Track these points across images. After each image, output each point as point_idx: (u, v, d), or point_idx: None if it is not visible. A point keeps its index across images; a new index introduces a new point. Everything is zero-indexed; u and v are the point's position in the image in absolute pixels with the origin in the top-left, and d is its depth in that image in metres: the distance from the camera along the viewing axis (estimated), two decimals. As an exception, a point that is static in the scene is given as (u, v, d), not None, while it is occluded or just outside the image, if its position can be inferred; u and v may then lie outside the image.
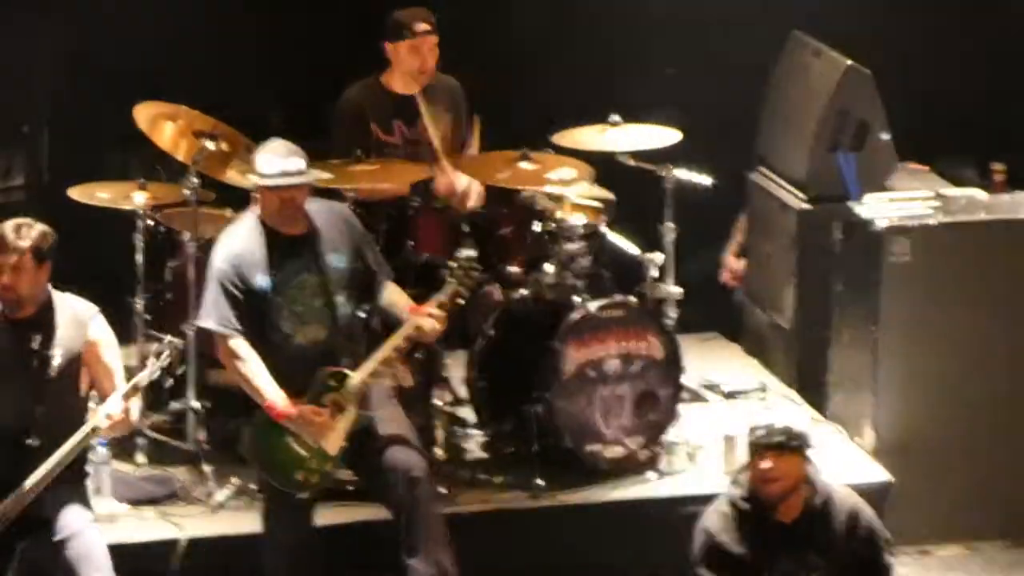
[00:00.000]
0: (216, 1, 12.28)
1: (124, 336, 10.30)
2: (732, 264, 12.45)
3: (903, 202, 11.14)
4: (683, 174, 11.06)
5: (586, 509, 10.61)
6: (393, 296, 9.92)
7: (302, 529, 9.91)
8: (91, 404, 9.52)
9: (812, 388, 11.45)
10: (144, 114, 10.71)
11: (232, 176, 10.81)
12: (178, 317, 10.67)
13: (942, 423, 10.93)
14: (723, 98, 12.23)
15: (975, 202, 11.22)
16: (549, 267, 10.82)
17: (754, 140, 12.11)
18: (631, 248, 11.12)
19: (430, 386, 10.65)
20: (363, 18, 11.68)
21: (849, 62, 11.60)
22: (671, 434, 10.79)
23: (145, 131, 10.73)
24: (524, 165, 10.73)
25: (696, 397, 11.29)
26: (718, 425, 11.01)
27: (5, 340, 9.38)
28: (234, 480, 10.42)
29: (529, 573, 10.55)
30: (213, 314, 9.77)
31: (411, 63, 11.08)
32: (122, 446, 10.46)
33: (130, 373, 9.74)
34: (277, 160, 9.69)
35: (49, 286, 9.39)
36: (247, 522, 10.14)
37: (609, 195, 11.12)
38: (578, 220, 10.91)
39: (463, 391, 10.97)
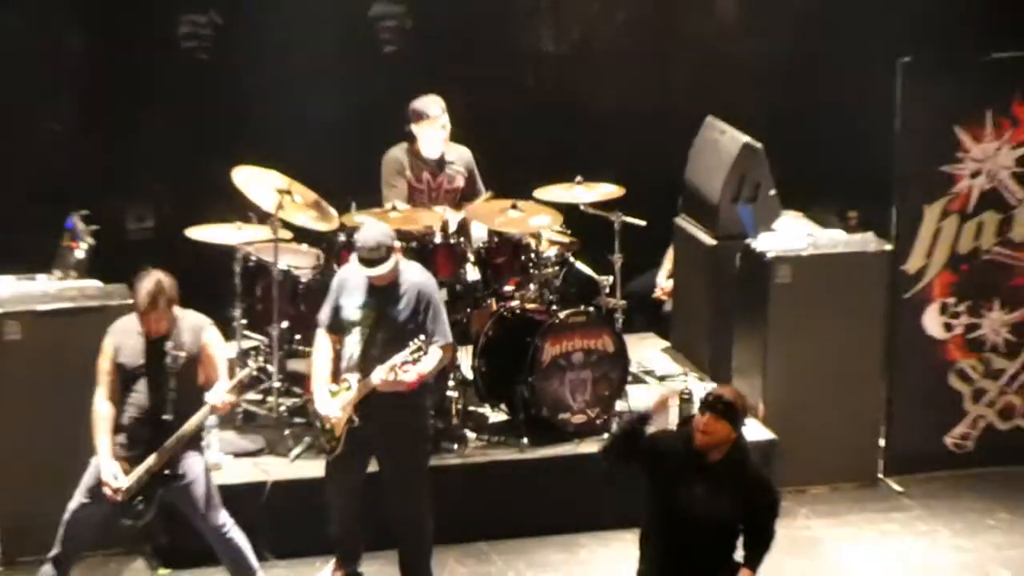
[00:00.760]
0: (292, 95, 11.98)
1: (227, 335, 10.36)
2: (663, 284, 12.27)
3: (785, 239, 11.08)
4: (626, 218, 10.98)
5: (558, 460, 10.54)
6: (425, 357, 9.49)
7: (346, 476, 9.77)
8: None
9: (720, 373, 11.35)
10: (241, 175, 10.59)
11: (302, 220, 10.66)
12: (265, 322, 10.59)
13: (812, 398, 10.84)
14: (655, 164, 11.98)
15: (836, 239, 11.21)
16: (532, 286, 10.81)
17: (678, 194, 11.94)
18: (590, 272, 11.06)
19: (447, 371, 10.41)
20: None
21: (746, 139, 11.47)
22: (619, 405, 10.74)
23: (241, 188, 10.60)
24: (513, 213, 10.72)
25: (637, 379, 11.19)
26: (653, 399, 10.20)
27: (147, 350, 9.35)
28: (305, 440, 10.34)
29: (517, 506, 10.45)
30: (323, 312, 9.74)
31: (430, 138, 10.95)
32: (227, 416, 10.22)
33: (231, 363, 9.89)
34: (365, 245, 9.46)
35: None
36: (314, 470, 10.06)
37: (570, 237, 11.04)
38: (552, 252, 10.89)
39: (470, 375, 10.82)
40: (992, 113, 10.90)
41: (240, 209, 10.71)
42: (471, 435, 10.71)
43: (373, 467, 10.06)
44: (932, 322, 11.09)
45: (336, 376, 9.72)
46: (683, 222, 11.90)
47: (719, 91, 12.28)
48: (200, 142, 11.85)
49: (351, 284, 9.72)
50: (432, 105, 10.95)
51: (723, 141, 11.63)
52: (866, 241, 11.13)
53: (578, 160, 11.27)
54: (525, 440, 10.58)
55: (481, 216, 10.90)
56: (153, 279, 9.33)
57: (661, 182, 11.83)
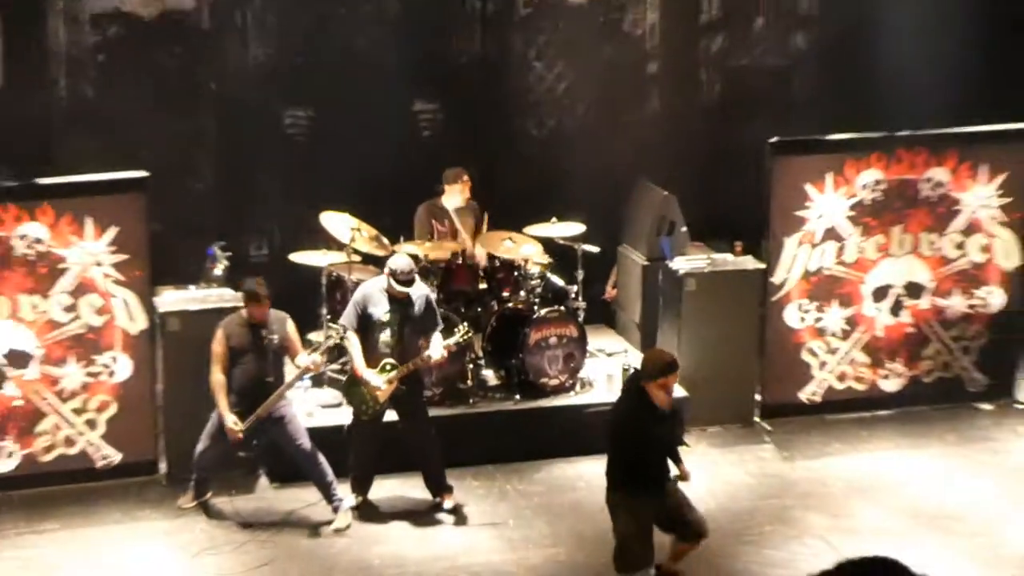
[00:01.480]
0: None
1: (315, 326, 10.58)
2: (610, 290, 12.02)
3: (692, 261, 11.03)
4: (586, 246, 10.90)
5: (540, 410, 10.60)
6: (432, 338, 9.66)
7: (373, 427, 9.67)
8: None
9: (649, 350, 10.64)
10: (326, 217, 10.56)
11: (367, 249, 10.59)
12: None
13: (710, 368, 10.74)
14: (607, 210, 11.77)
15: (726, 261, 11.06)
16: (522, 293, 10.78)
17: (621, 229, 11.84)
18: (561, 283, 11.00)
19: (465, 350, 10.44)
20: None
21: (665, 193, 11.42)
22: (581, 374, 10.77)
23: (326, 226, 10.53)
24: (508, 243, 10.74)
25: (593, 355, 11.05)
26: (604, 369, 10.95)
27: (252, 333, 9.45)
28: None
29: (513, 441, 10.44)
30: (345, 318, 9.69)
31: (456, 194, 10.94)
32: (314, 379, 10.40)
33: (309, 345, 9.89)
34: (402, 274, 9.50)
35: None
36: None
37: (548, 259, 10.91)
38: (535, 270, 10.81)
39: (480, 352, 10.74)
40: (831, 175, 10.80)
41: (325, 241, 10.68)
42: (481, 392, 10.68)
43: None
44: (791, 316, 10.99)
45: (369, 362, 9.56)
46: (624, 249, 11.83)
47: (649, 160, 12.02)
48: (298, 196, 11.69)
49: (375, 297, 9.56)
50: (459, 173, 10.91)
51: (650, 194, 11.55)
52: (746, 262, 11.06)
53: (553, 206, 11.10)
54: (518, 396, 10.65)
55: (488, 246, 10.85)
56: (254, 281, 9.48)
57: (610, 222, 11.73)
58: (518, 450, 10.49)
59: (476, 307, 10.82)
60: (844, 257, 11.08)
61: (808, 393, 11.24)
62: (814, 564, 5.19)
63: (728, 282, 10.95)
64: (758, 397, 11.13)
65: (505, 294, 10.83)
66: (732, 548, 9.45)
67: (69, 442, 10.08)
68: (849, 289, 11.14)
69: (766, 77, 12.60)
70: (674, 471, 8.65)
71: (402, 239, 10.76)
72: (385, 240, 10.68)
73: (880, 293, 11.18)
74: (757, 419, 11.13)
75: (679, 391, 10.53)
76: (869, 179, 10.97)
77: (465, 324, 9.82)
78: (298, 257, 10.79)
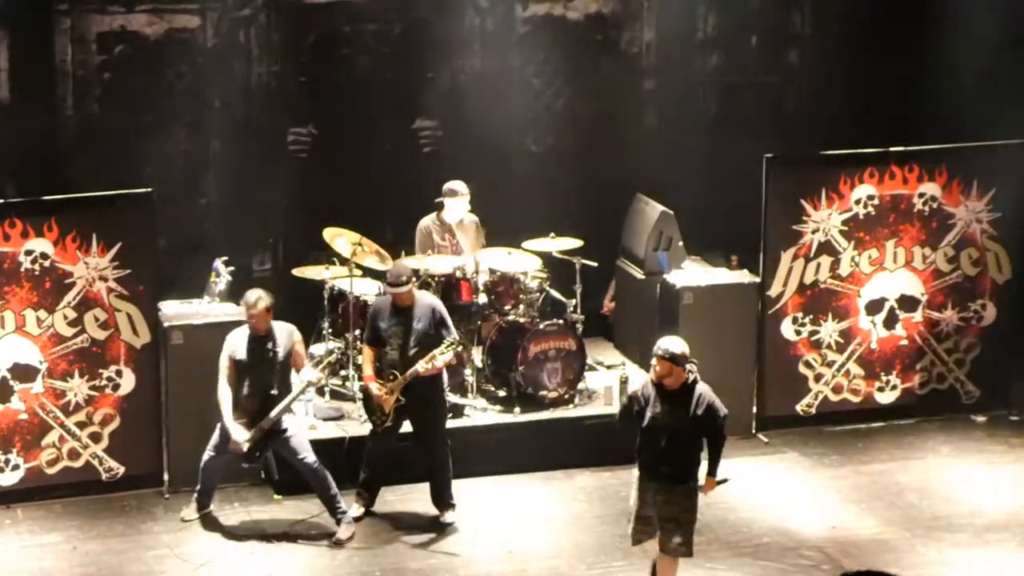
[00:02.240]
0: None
1: (317, 339, 10.58)
2: (607, 304, 11.89)
3: (689, 275, 11.03)
4: (584, 260, 10.85)
5: (539, 422, 10.53)
6: (434, 350, 9.56)
7: (385, 439, 9.64)
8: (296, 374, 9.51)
9: (646, 364, 9.89)
10: (328, 233, 10.57)
11: (368, 263, 10.58)
12: (343, 330, 10.44)
13: (708, 379, 9.01)
14: (604, 225, 11.67)
15: (723, 275, 11.06)
16: (521, 307, 10.71)
17: (619, 245, 11.71)
18: (560, 297, 10.95)
19: (464, 363, 10.53)
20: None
21: (662, 208, 11.33)
22: (580, 386, 10.72)
23: (328, 240, 10.56)
24: (507, 257, 10.68)
25: (591, 368, 11.01)
26: (603, 382, 10.90)
27: (257, 346, 9.39)
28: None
29: (512, 451, 10.38)
30: (366, 332, 9.74)
31: (456, 209, 10.88)
32: (317, 391, 10.28)
33: (311, 358, 10.02)
34: (391, 278, 9.57)
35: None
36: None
37: (546, 273, 10.84)
38: (535, 284, 10.76)
39: (480, 366, 10.70)
40: (826, 190, 10.77)
41: (328, 256, 10.65)
42: (482, 405, 10.64)
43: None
44: (787, 329, 10.94)
45: (379, 374, 9.59)
46: (622, 263, 11.75)
47: (646, 175, 11.94)
48: (301, 211, 11.66)
49: (383, 311, 9.62)
50: (461, 186, 10.87)
51: (647, 209, 11.53)
52: (742, 276, 11.05)
53: (552, 222, 11.07)
54: (517, 409, 10.58)
55: (487, 260, 10.74)
56: (257, 291, 9.43)
57: (607, 237, 11.67)
58: (518, 462, 10.44)
59: (476, 320, 10.81)
60: (839, 271, 11.03)
61: (804, 405, 11.18)
62: (811, 576, 5.00)
63: (724, 296, 10.91)
64: (755, 408, 11.09)
65: (505, 307, 10.80)
66: (729, 559, 9.41)
67: (74, 455, 10.03)
68: (844, 302, 11.09)
69: (761, 94, 12.57)
70: (702, 479, 8.53)
71: (403, 254, 10.75)
72: (386, 254, 10.66)
73: (874, 306, 11.13)
74: (755, 431, 11.08)
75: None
76: (863, 194, 10.93)
77: (454, 336, 9.76)
78: (300, 272, 10.77)
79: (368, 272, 10.78)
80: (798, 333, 11.04)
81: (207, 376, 9.54)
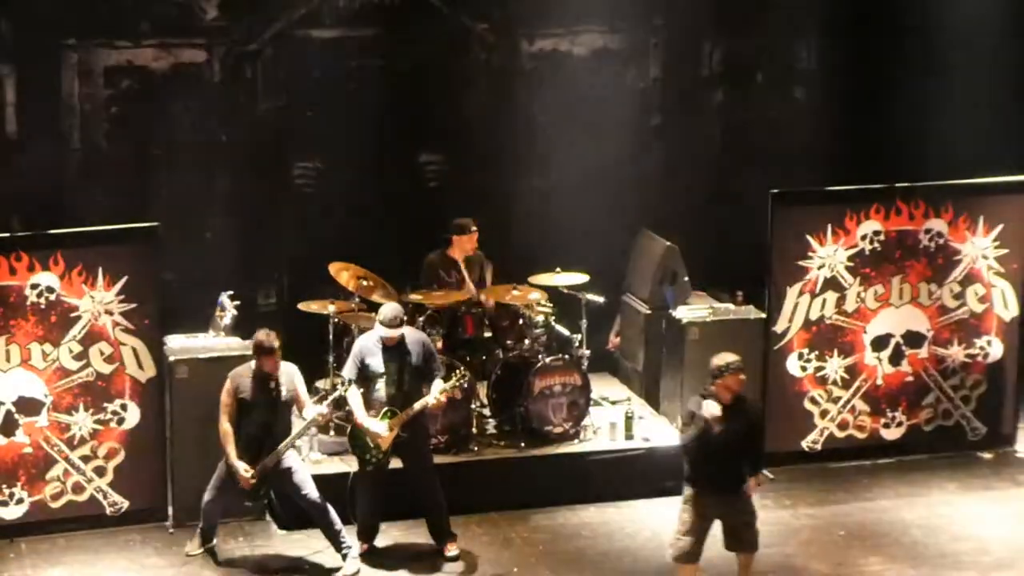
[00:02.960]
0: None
1: (322, 373, 10.57)
2: (613, 339, 11.95)
3: (694, 310, 11.04)
4: (590, 296, 10.89)
5: (544, 457, 10.52)
6: (432, 385, 9.60)
7: (373, 479, 9.62)
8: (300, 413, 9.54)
9: (652, 399, 11.26)
10: (333, 267, 10.60)
11: (373, 297, 10.58)
12: None
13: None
14: (610, 260, 11.72)
15: (728, 310, 11.08)
16: (526, 341, 10.75)
17: (624, 279, 11.76)
18: (565, 331, 10.95)
19: (469, 397, 10.51)
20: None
21: (668, 243, 11.38)
22: (585, 421, 10.72)
23: (333, 275, 10.57)
24: (515, 292, 10.74)
25: (596, 403, 11.02)
26: (608, 417, 10.87)
27: (260, 384, 9.40)
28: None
29: (517, 488, 10.36)
30: (346, 370, 9.63)
31: (464, 245, 10.93)
32: (320, 427, 10.13)
33: (316, 392, 10.06)
34: (387, 320, 9.45)
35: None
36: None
37: (552, 308, 10.89)
38: (540, 318, 10.80)
39: (485, 400, 10.75)
40: (831, 226, 10.76)
41: (333, 290, 10.65)
42: (486, 440, 10.63)
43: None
44: (792, 365, 10.93)
45: (368, 411, 9.49)
46: (627, 298, 11.75)
47: (651, 211, 12.02)
48: (306, 245, 11.64)
49: (370, 348, 9.53)
50: (470, 223, 10.91)
51: (653, 245, 11.57)
52: (748, 311, 11.05)
53: (557, 256, 11.09)
54: (522, 444, 10.57)
55: (494, 295, 10.84)
56: (265, 332, 9.39)
57: (613, 272, 11.69)
58: (522, 497, 10.42)
59: (481, 355, 10.80)
60: (844, 306, 11.02)
61: (810, 441, 11.17)
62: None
63: (730, 331, 10.86)
64: (760, 445, 10.82)
65: (510, 342, 10.83)
66: (735, 596, 9.41)
67: (78, 489, 10.03)
68: (850, 338, 11.07)
69: (766, 130, 12.58)
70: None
71: (408, 289, 10.75)
72: (391, 290, 10.67)
73: (880, 342, 11.12)
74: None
75: (677, 438, 10.26)
76: (868, 230, 10.94)
77: (461, 369, 9.75)
78: (306, 306, 10.75)
79: (373, 307, 10.69)
80: (804, 369, 11.03)
81: (212, 410, 9.53)
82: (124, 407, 9.97)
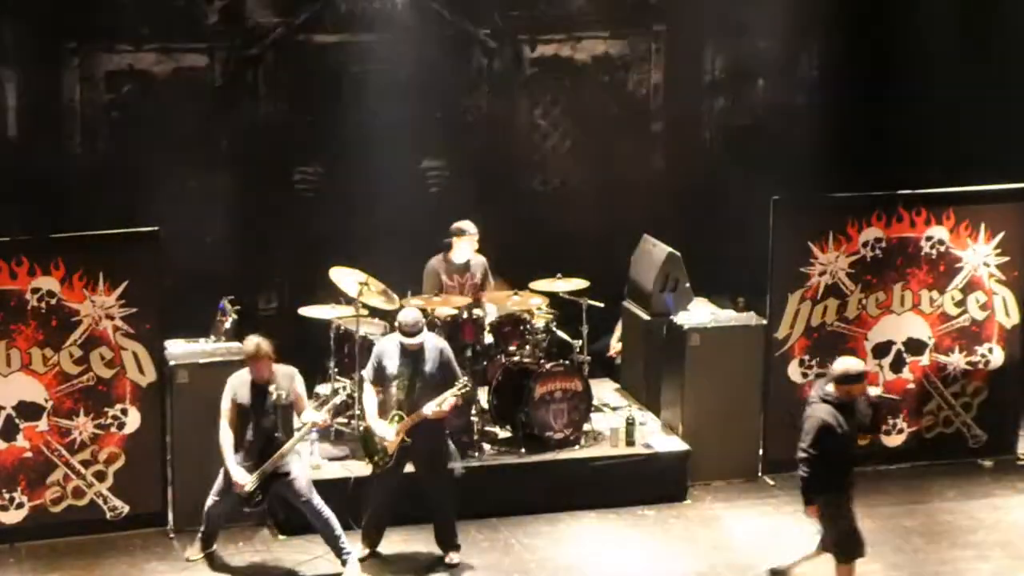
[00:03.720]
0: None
1: (323, 379, 10.58)
2: (613, 345, 11.94)
3: (695, 317, 11.00)
4: (590, 302, 10.89)
5: (545, 463, 10.52)
6: (445, 392, 9.56)
7: (390, 480, 9.60)
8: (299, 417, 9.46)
9: (653, 407, 11.19)
10: (335, 272, 10.57)
11: (376, 303, 10.62)
12: (350, 370, 10.49)
13: (714, 422, 10.69)
14: (611, 266, 11.69)
15: (729, 316, 11.07)
16: (527, 347, 10.75)
17: (625, 286, 11.70)
18: (566, 337, 10.97)
19: (471, 404, 10.49)
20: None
21: (669, 249, 11.32)
22: (586, 427, 10.73)
23: (334, 280, 10.48)
24: (515, 298, 10.78)
25: (597, 409, 11.04)
26: (609, 423, 10.90)
27: (259, 389, 9.39)
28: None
29: (517, 494, 10.37)
30: (366, 371, 9.69)
31: (463, 248, 10.94)
32: (321, 432, 10.25)
33: (317, 397, 10.11)
34: (405, 326, 9.47)
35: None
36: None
37: (553, 314, 10.91)
38: (540, 324, 10.82)
39: (486, 406, 10.71)
40: (833, 233, 10.77)
41: (334, 295, 10.65)
42: (487, 446, 10.63)
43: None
44: (794, 371, 10.91)
45: (381, 413, 9.54)
46: (628, 304, 11.73)
47: (652, 217, 12.05)
48: (307, 250, 11.66)
49: (389, 351, 9.56)
50: (469, 226, 10.91)
51: (654, 250, 11.54)
52: (749, 318, 11.05)
53: (558, 262, 11.09)
54: (523, 450, 10.57)
55: (495, 301, 10.90)
56: (255, 340, 9.37)
57: (614, 278, 11.68)
58: (523, 504, 10.42)
59: (482, 361, 10.79)
60: (846, 313, 11.02)
61: (810, 448, 11.15)
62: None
63: (731, 338, 10.89)
64: (761, 452, 11.05)
65: (511, 348, 10.82)
66: (737, 603, 9.34)
67: (78, 493, 10.01)
68: (851, 345, 11.03)
69: (768, 136, 12.63)
70: None
71: (410, 293, 10.74)
72: (393, 294, 10.67)
73: (881, 349, 11.11)
74: (760, 474, 11.05)
75: (679, 444, 10.78)
76: (870, 237, 10.94)
77: (465, 379, 9.76)
78: (307, 311, 10.76)
79: (374, 312, 10.81)
80: (805, 375, 11.00)
81: (213, 415, 9.54)
82: (124, 412, 9.97)
